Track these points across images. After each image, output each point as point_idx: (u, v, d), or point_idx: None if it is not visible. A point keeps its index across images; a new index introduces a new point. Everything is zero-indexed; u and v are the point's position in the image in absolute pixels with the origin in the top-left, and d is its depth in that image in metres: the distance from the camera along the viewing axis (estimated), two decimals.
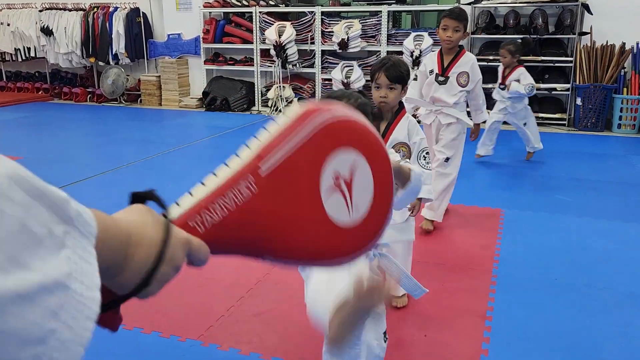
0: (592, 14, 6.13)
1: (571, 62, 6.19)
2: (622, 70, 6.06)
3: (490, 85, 6.44)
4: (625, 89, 6.06)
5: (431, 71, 3.22)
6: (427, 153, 2.26)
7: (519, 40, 4.94)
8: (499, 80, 4.86)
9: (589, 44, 6.15)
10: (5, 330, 0.34)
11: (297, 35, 7.09)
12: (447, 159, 3.26)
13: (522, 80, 4.61)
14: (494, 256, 2.92)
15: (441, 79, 3.19)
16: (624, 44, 5.99)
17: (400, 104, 2.30)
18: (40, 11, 8.44)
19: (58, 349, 0.38)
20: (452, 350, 2.10)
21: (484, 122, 3.61)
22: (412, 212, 2.28)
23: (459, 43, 3.17)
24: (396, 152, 2.22)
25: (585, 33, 6.20)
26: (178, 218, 0.62)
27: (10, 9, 8.73)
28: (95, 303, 0.41)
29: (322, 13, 7.01)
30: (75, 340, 0.39)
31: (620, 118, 6.11)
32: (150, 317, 2.32)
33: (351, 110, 0.70)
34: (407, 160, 2.23)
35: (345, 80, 6.83)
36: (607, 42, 6.06)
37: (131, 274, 0.52)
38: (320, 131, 0.65)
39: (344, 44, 6.77)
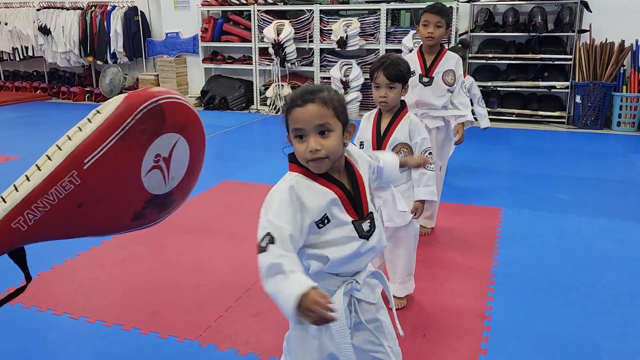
0: (591, 12, 6.12)
1: (570, 60, 6.18)
2: (622, 68, 6.05)
3: (489, 84, 6.44)
4: (624, 87, 6.05)
5: (413, 72, 2.81)
6: (430, 153, 2.22)
7: (459, 45, 4.52)
8: None
9: (588, 42, 6.13)
10: None
11: (295, 33, 7.07)
12: (440, 168, 3.13)
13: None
14: (493, 255, 2.91)
15: (426, 79, 2.97)
16: (623, 41, 5.97)
17: (402, 103, 2.26)
18: (38, 10, 8.42)
19: None
20: (451, 350, 2.09)
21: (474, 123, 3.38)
22: (414, 215, 2.24)
23: (440, 41, 2.96)
24: (397, 153, 2.17)
25: (585, 31, 6.19)
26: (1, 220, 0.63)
27: (8, 7, 8.71)
28: None
29: (321, 11, 7.00)
30: None
31: (619, 116, 6.09)
32: (148, 317, 2.31)
33: (171, 94, 0.74)
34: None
35: (344, 79, 6.82)
36: (606, 39, 6.05)
37: None
38: (141, 119, 0.67)
39: (342, 42, 6.75)
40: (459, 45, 4.47)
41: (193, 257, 2.93)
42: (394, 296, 2.33)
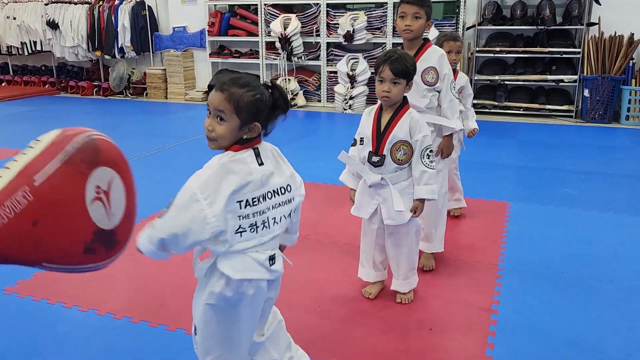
0: (600, 5, 6.07)
1: (579, 53, 6.14)
2: (631, 62, 6.01)
3: (497, 77, 6.41)
4: (633, 81, 6.01)
5: None
6: (431, 151, 2.18)
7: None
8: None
9: (597, 35, 6.09)
10: None
11: (302, 27, 7.06)
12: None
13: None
14: (500, 250, 2.91)
15: None
16: (632, 34, 5.93)
17: (404, 99, 2.21)
18: (46, 5, 8.45)
19: None
20: (458, 344, 2.10)
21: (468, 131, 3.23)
22: (414, 213, 2.21)
23: (423, 35, 2.63)
24: (396, 150, 2.16)
25: (594, 24, 6.14)
26: None
27: (16, 2, 8.75)
28: None
29: (328, 5, 6.98)
30: None
31: (628, 110, 6.06)
32: (157, 310, 2.34)
33: (100, 133, 0.88)
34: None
35: (350, 73, 6.81)
36: (615, 32, 6.00)
37: None
38: (79, 149, 0.77)
39: (349, 36, 6.74)
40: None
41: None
42: (398, 292, 2.38)
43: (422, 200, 2.21)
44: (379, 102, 2.26)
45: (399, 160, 2.18)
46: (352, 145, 2.33)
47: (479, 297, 2.44)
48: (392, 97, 2.14)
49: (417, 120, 2.17)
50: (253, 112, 1.44)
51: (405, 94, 2.20)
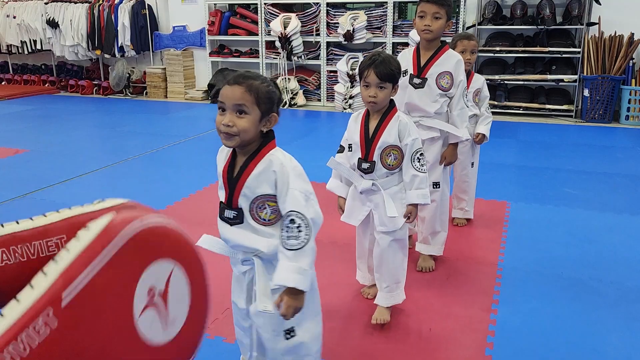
0: (600, 4, 6.07)
1: (579, 53, 6.14)
2: (631, 61, 6.00)
3: (497, 77, 6.41)
4: (633, 80, 6.01)
5: (405, 71, 2.52)
6: (421, 154, 2.10)
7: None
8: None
9: (597, 35, 6.09)
10: None
11: (302, 26, 7.06)
12: (435, 185, 2.64)
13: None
14: (500, 249, 2.91)
15: (417, 81, 2.53)
16: (632, 34, 5.93)
17: (391, 102, 2.12)
18: (46, 3, 8.44)
19: None
20: (458, 344, 2.10)
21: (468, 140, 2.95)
22: (408, 219, 2.12)
23: (441, 37, 2.54)
24: (387, 156, 2.10)
25: (594, 23, 6.14)
26: None
27: (16, 1, 8.74)
28: None
29: (328, 4, 6.98)
30: None
31: (628, 109, 6.06)
32: None
33: (162, 217, 0.63)
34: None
35: (350, 72, 6.81)
36: (615, 32, 6.00)
37: None
38: (128, 244, 0.56)
39: (349, 36, 6.73)
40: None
41: (199, 250, 2.95)
42: (380, 306, 2.22)
43: (415, 205, 2.13)
44: (364, 107, 2.17)
45: (389, 165, 2.12)
46: (338, 152, 2.24)
47: (479, 298, 2.44)
48: (378, 102, 2.06)
49: (405, 123, 2.10)
50: (270, 102, 1.46)
51: (392, 97, 2.12)
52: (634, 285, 2.54)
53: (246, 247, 1.52)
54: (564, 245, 2.97)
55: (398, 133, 2.09)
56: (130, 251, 0.57)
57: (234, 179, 1.50)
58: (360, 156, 2.14)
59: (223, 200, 1.53)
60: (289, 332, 1.57)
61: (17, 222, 0.58)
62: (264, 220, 1.50)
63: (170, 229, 0.64)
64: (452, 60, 2.53)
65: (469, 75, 3.03)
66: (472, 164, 3.23)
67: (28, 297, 0.50)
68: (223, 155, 1.57)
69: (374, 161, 2.11)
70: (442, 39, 2.59)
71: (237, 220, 1.51)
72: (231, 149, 1.52)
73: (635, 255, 2.85)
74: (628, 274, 2.64)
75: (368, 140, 2.11)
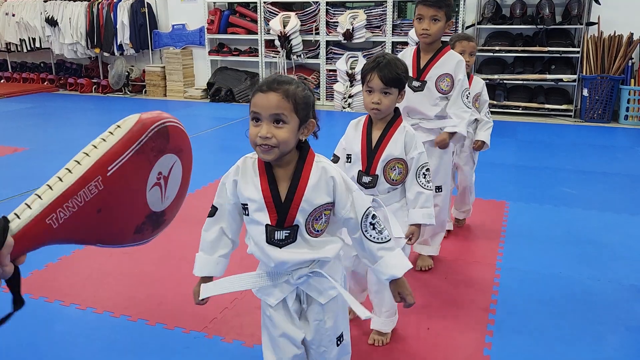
0: (599, 4, 6.07)
1: (578, 52, 6.14)
2: (630, 61, 6.01)
3: (496, 77, 6.41)
4: (632, 80, 6.02)
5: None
6: (427, 169, 1.95)
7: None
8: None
9: (596, 35, 6.09)
10: None
11: (301, 25, 7.06)
12: (438, 189, 2.59)
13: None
14: (498, 249, 2.91)
15: (416, 83, 2.45)
16: (632, 34, 5.93)
17: (396, 111, 1.96)
18: (45, 1, 8.43)
19: None
20: (455, 344, 2.10)
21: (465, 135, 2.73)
22: (409, 240, 1.95)
23: (441, 38, 2.47)
24: (391, 169, 1.92)
25: (593, 23, 6.14)
26: (33, 218, 0.72)
27: None
28: None
29: (327, 3, 6.97)
30: None
31: (627, 109, 6.06)
32: (155, 308, 2.34)
33: (173, 116, 0.87)
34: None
35: (349, 71, 6.81)
36: (614, 32, 6.00)
37: None
38: (151, 137, 0.80)
39: (348, 35, 6.73)
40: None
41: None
42: (378, 331, 2.10)
43: (418, 226, 1.95)
44: (365, 110, 2.01)
45: (393, 180, 1.94)
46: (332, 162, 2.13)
47: (477, 297, 2.44)
48: (382, 109, 1.88)
49: (412, 135, 1.94)
50: (307, 107, 1.35)
51: (397, 105, 1.95)
52: (631, 284, 2.54)
53: (305, 260, 1.40)
54: (563, 244, 2.97)
55: (404, 145, 1.92)
56: (153, 142, 0.81)
57: (286, 197, 1.35)
58: (360, 169, 1.95)
59: (269, 223, 1.36)
60: (340, 338, 1.53)
61: (60, 179, 0.75)
62: (317, 231, 1.39)
63: (180, 128, 0.89)
64: (452, 62, 2.44)
65: (468, 78, 2.84)
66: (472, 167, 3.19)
67: (85, 162, 0.76)
68: (247, 177, 1.39)
69: (377, 175, 1.93)
70: (443, 39, 2.51)
71: (290, 239, 1.37)
72: (258, 167, 1.38)
73: (633, 254, 2.85)
74: (626, 273, 2.64)
75: (370, 152, 1.94)
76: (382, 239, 1.43)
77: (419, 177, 1.93)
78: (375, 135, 1.94)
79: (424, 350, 2.07)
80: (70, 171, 0.74)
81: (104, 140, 0.78)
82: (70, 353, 2.07)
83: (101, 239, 0.81)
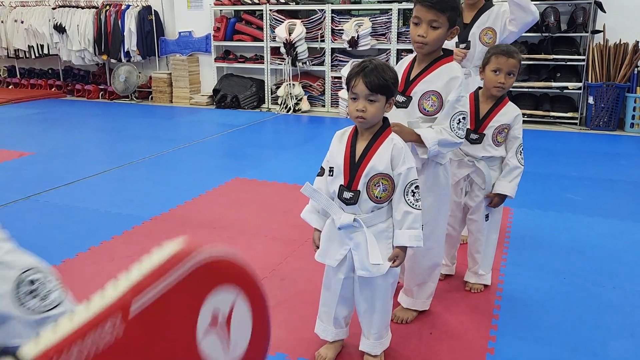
0: (605, 12, 6.07)
1: (583, 60, 6.13)
2: (636, 69, 5.99)
3: None
4: (638, 88, 5.99)
5: None
6: (416, 187, 1.76)
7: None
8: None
9: (601, 42, 6.09)
10: None
11: (307, 33, 7.09)
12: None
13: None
14: (502, 255, 2.90)
15: (400, 98, 2.05)
16: (637, 42, 5.92)
17: (385, 121, 1.80)
18: (54, 9, 8.52)
19: None
20: (458, 347, 2.09)
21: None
22: (393, 262, 1.78)
23: (442, 46, 2.04)
24: (374, 185, 1.76)
25: (598, 31, 6.14)
26: None
27: (24, 6, 8.82)
28: None
29: (332, 11, 7.01)
30: None
31: (633, 117, 6.04)
32: None
33: (228, 249, 0.66)
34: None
35: None
36: (620, 40, 5.99)
37: None
38: (197, 270, 0.60)
39: (354, 42, 6.76)
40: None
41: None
42: (369, 354, 1.97)
43: (403, 248, 1.79)
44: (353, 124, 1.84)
45: (377, 197, 1.77)
46: (318, 175, 1.91)
47: (480, 302, 2.43)
48: (368, 117, 1.73)
49: (401, 148, 1.76)
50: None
51: (386, 114, 1.80)
52: (636, 290, 2.53)
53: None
54: (567, 250, 2.96)
55: (391, 159, 1.75)
56: (198, 275, 0.61)
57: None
58: (342, 183, 1.79)
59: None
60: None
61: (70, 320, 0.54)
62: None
63: (235, 259, 0.67)
64: (444, 77, 2.00)
65: (499, 103, 2.35)
66: (487, 216, 2.46)
67: (97, 303, 0.53)
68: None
69: (359, 191, 1.76)
70: (449, 47, 2.22)
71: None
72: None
73: (638, 261, 2.83)
74: (632, 279, 2.63)
75: (353, 165, 1.77)
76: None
77: (407, 194, 1.75)
78: (360, 147, 1.78)
79: (425, 354, 2.06)
80: (87, 305, 0.53)
81: (130, 272, 0.58)
82: None
83: None
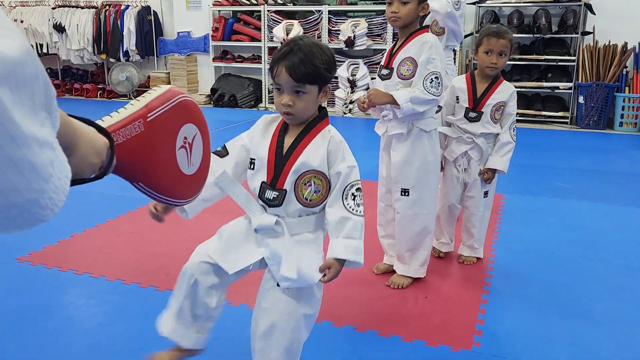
0: (594, 14, 6.24)
1: (574, 61, 6.30)
2: (624, 70, 6.16)
3: None
4: (627, 88, 6.16)
5: (380, 64, 2.34)
6: (357, 189, 1.46)
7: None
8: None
9: (591, 44, 6.26)
10: (33, 163, 0.50)
11: (304, 33, 7.22)
12: (404, 192, 2.26)
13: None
14: (494, 233, 3.01)
15: (384, 72, 2.25)
16: (626, 43, 6.09)
17: (322, 111, 1.51)
18: (53, 8, 8.62)
19: (53, 190, 0.54)
20: (453, 309, 2.20)
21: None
22: (323, 276, 1.41)
23: (417, 21, 2.21)
24: (304, 185, 1.45)
25: (588, 33, 6.31)
26: (109, 126, 0.85)
27: (24, 6, 8.91)
28: (68, 168, 0.58)
29: (329, 12, 7.15)
30: (61, 189, 0.55)
31: (622, 116, 6.20)
32: (164, 278, 2.43)
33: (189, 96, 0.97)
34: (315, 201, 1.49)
35: (351, 78, 6.96)
36: (609, 41, 6.17)
37: (78, 158, 0.69)
38: (179, 103, 0.93)
39: (350, 42, 6.90)
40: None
41: (207, 232, 3.03)
42: None
43: (338, 260, 1.41)
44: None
45: (307, 199, 1.47)
46: (216, 153, 1.54)
47: (474, 272, 2.54)
48: (296, 113, 1.43)
49: (339, 142, 1.47)
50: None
51: (322, 103, 1.51)
52: (621, 263, 2.65)
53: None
54: (556, 229, 3.08)
55: (327, 155, 1.45)
56: (181, 107, 0.95)
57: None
58: (264, 180, 1.49)
59: None
60: None
61: (111, 117, 0.87)
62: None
63: (200, 109, 1.02)
64: (417, 44, 2.16)
65: (495, 82, 2.48)
66: (486, 192, 2.57)
67: (130, 109, 0.88)
68: None
69: (285, 190, 1.46)
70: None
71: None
72: None
73: (624, 238, 2.96)
74: (617, 254, 2.75)
75: (280, 159, 1.47)
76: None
77: (345, 198, 1.44)
78: (290, 138, 1.48)
79: (421, 314, 2.16)
80: (118, 112, 0.88)
81: (149, 93, 0.92)
82: (83, 313, 2.16)
83: (144, 178, 0.91)
